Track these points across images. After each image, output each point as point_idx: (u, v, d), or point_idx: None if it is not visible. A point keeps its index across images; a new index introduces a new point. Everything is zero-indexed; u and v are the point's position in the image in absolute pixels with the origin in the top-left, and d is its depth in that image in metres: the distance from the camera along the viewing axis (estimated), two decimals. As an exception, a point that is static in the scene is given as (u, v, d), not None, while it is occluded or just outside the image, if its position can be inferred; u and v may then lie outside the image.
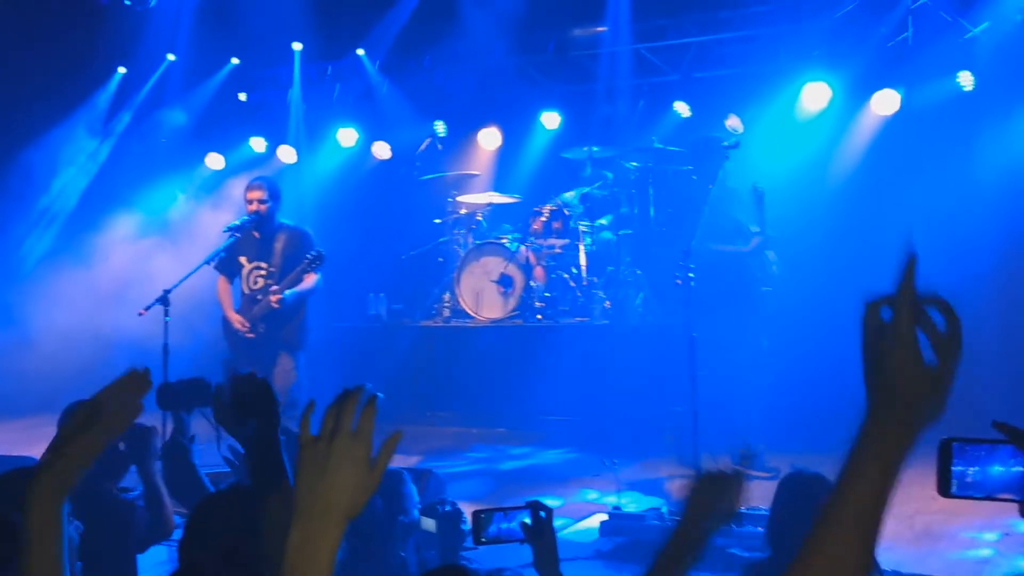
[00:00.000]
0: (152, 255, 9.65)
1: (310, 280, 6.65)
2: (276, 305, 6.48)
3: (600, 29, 9.93)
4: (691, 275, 5.27)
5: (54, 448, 1.69)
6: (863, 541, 1.14)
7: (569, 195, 9.51)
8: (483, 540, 2.41)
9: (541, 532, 2.39)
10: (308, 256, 6.54)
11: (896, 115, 8.58)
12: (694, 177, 8.45)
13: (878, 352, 1.19)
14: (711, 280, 5.96)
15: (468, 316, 9.31)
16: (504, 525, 2.40)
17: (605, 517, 5.77)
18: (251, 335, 6.64)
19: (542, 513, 2.41)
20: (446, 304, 9.62)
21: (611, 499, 6.10)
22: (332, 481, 1.30)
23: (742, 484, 1.96)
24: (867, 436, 1.17)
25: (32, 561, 1.64)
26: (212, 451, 3.64)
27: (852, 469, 1.16)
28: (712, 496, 1.93)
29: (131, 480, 3.75)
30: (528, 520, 2.40)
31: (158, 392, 3.24)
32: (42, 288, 9.67)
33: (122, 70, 11.17)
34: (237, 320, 6.69)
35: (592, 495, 6.41)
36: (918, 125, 8.34)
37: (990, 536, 5.37)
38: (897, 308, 1.19)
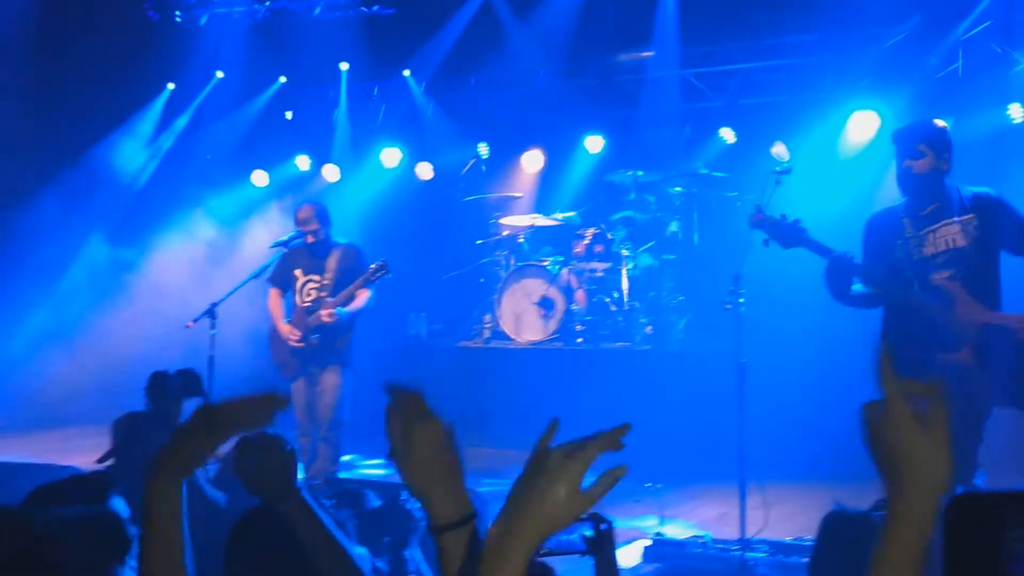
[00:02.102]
0: (199, 269, 9.74)
1: (363, 296, 6.68)
2: (329, 319, 6.51)
3: (646, 54, 9.94)
4: (741, 300, 5.26)
5: (172, 446, 1.78)
6: None
7: (618, 228, 9.48)
8: (542, 552, 2.38)
9: (602, 544, 2.36)
10: (373, 265, 6.58)
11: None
12: (739, 204, 8.48)
13: (879, 438, 1.23)
14: (762, 306, 6.11)
15: (508, 338, 9.30)
16: (564, 537, 2.37)
17: (648, 543, 5.72)
18: (300, 344, 6.66)
19: (603, 525, 2.37)
20: (486, 325, 9.63)
21: (653, 525, 6.05)
22: (548, 493, 1.34)
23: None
24: (893, 518, 1.16)
25: (153, 553, 1.67)
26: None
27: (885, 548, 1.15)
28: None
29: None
30: (589, 532, 2.37)
31: (149, 382, 3.24)
32: (87, 301, 9.77)
33: (171, 86, 11.31)
34: (287, 330, 6.71)
35: (634, 521, 6.36)
36: (967, 157, 8.25)
37: None
38: (884, 394, 1.24)
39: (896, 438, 1.20)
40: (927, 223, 4.47)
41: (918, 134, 4.54)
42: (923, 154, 4.47)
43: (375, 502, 3.28)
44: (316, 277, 6.73)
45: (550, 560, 2.45)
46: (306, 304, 6.72)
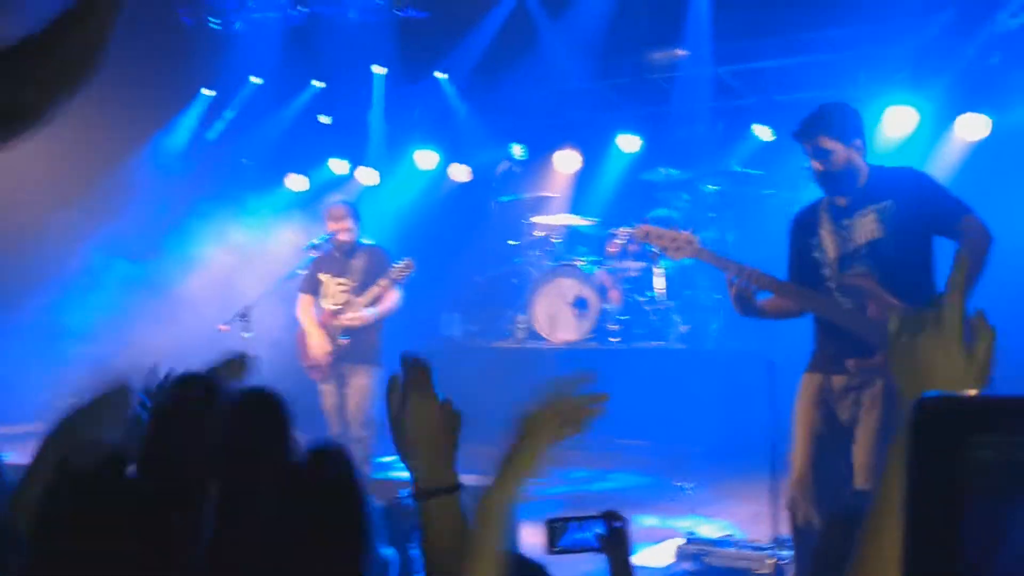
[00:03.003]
0: (233, 273, 9.82)
1: (392, 297, 6.70)
2: (358, 322, 6.54)
3: (680, 52, 9.89)
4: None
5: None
6: None
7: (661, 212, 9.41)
8: (556, 550, 2.37)
9: (616, 542, 2.34)
10: (397, 264, 6.59)
11: (985, 140, 8.39)
12: (774, 201, 8.42)
13: (916, 341, 1.23)
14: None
15: (542, 338, 9.29)
16: (578, 535, 2.36)
17: (681, 542, 5.69)
18: (329, 359, 6.69)
19: (617, 523, 2.36)
20: (520, 326, 9.63)
21: (686, 524, 6.02)
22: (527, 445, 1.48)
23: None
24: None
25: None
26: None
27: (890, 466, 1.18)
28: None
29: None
30: (603, 530, 2.35)
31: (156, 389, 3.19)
32: (119, 305, 9.88)
33: (207, 92, 11.42)
34: (317, 344, 6.74)
35: (667, 520, 6.33)
36: (1008, 150, 8.14)
37: None
38: (949, 296, 1.23)
39: (935, 355, 1.21)
40: (843, 215, 4.21)
41: (817, 129, 4.22)
42: (829, 150, 4.17)
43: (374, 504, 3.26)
44: (343, 280, 6.76)
45: (566, 558, 2.44)
46: (334, 308, 6.75)
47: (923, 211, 4.08)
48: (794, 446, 4.26)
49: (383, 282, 6.57)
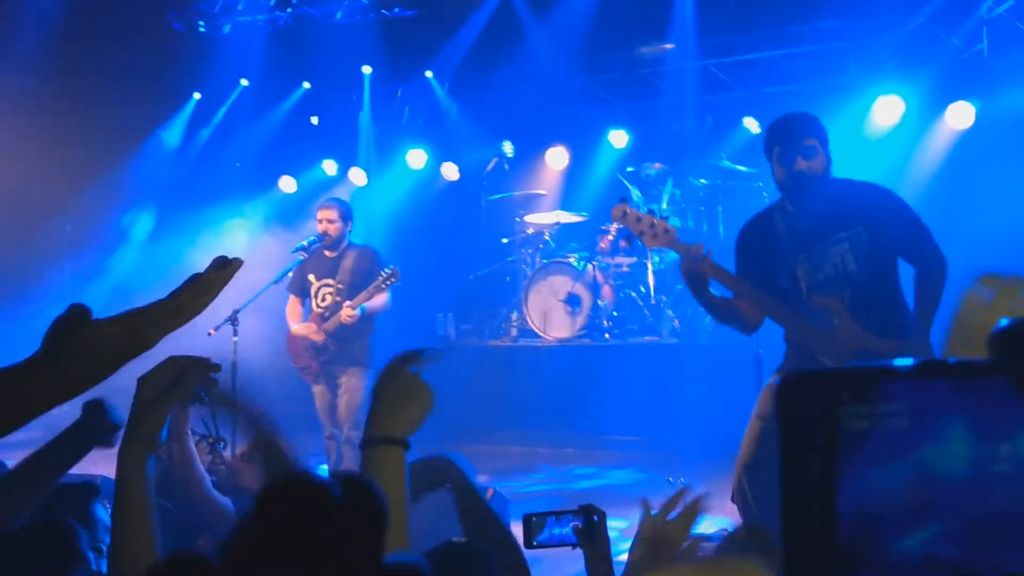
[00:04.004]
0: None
1: (381, 299, 6.68)
2: (348, 320, 6.52)
3: (667, 46, 9.89)
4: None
5: (136, 417, 1.87)
6: None
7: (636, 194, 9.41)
8: (535, 545, 2.37)
9: (593, 536, 2.35)
10: (383, 272, 6.57)
11: (971, 128, 8.40)
12: (764, 194, 8.40)
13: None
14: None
15: (536, 335, 9.30)
16: (556, 530, 2.37)
17: (673, 538, 5.68)
18: (320, 337, 6.66)
19: (595, 517, 2.36)
20: (514, 324, 9.63)
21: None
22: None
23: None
24: None
25: (124, 521, 1.79)
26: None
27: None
28: None
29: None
30: (581, 524, 2.36)
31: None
32: (111, 311, 9.87)
33: (197, 96, 11.41)
34: (303, 327, 6.73)
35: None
36: (994, 137, 8.15)
37: None
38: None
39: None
40: (811, 241, 3.95)
41: (806, 126, 3.91)
42: (815, 151, 3.86)
43: None
44: (331, 281, 6.74)
45: (549, 555, 2.45)
46: (321, 309, 6.74)
47: (892, 238, 3.92)
48: (744, 446, 4.21)
49: (370, 289, 6.56)
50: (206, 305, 1.54)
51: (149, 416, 1.87)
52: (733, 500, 4.24)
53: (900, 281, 4.00)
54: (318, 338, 6.68)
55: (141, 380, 1.89)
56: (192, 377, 1.92)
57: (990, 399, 0.83)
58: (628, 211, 4.13)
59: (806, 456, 0.84)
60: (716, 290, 4.09)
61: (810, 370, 0.86)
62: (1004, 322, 0.83)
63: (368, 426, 1.70)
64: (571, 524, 2.35)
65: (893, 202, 3.98)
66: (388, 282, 6.53)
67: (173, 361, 1.93)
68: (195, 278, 1.50)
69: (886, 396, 0.83)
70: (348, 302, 6.57)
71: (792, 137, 3.92)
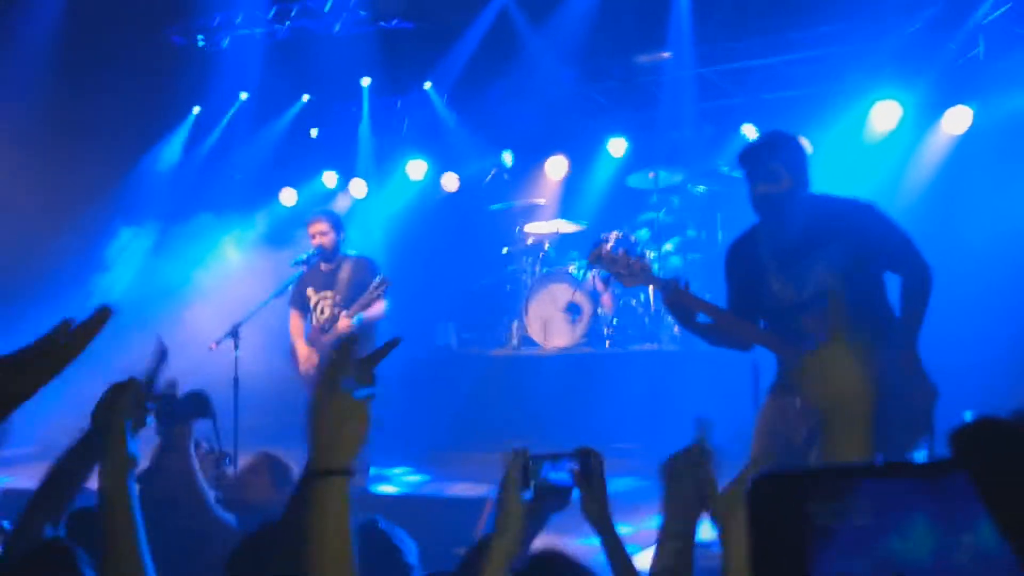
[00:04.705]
0: (228, 290, 9.84)
1: (378, 307, 6.71)
2: (346, 329, 6.54)
3: (664, 54, 9.93)
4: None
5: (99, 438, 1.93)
6: None
7: (643, 230, 9.46)
8: (531, 486, 2.38)
9: (590, 477, 2.36)
10: (374, 282, 6.59)
11: (968, 132, 8.42)
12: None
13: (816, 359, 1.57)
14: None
15: (537, 345, 9.31)
16: (552, 473, 2.38)
17: (675, 545, 5.68)
18: (316, 365, 6.70)
19: (592, 459, 2.38)
20: (515, 333, 9.65)
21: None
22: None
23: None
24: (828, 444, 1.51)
25: (114, 549, 1.81)
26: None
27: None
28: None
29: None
30: (578, 467, 2.37)
31: (156, 406, 3.22)
32: (111, 327, 9.88)
33: (197, 110, 11.45)
34: (305, 356, 6.77)
35: (656, 522, 6.33)
36: (991, 142, 8.17)
37: None
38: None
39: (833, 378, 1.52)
40: (792, 261, 3.98)
41: (770, 152, 3.98)
42: (779, 175, 3.93)
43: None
44: (328, 293, 6.77)
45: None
46: (321, 322, 6.76)
47: (873, 252, 3.93)
48: (751, 462, 4.21)
49: (363, 300, 6.59)
50: (77, 354, 1.53)
51: (109, 436, 1.91)
52: None
53: (887, 293, 4.01)
54: (311, 364, 6.71)
55: (93, 411, 1.98)
56: (129, 397, 1.98)
57: (950, 492, 0.87)
58: (603, 254, 4.19)
59: (777, 552, 0.87)
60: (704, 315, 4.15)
61: (774, 473, 0.90)
62: (968, 417, 0.87)
63: (308, 459, 1.69)
64: (568, 468, 2.37)
65: (872, 216, 3.99)
66: (379, 291, 6.55)
67: (113, 386, 1.99)
68: (66, 325, 1.50)
69: (852, 494, 0.88)
70: (345, 312, 6.60)
71: (753, 162, 4.00)
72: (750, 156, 4.04)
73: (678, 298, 4.03)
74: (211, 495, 3.40)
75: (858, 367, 1.51)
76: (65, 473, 2.36)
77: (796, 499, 0.87)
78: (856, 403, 1.49)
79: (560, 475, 2.37)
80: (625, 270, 4.14)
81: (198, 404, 3.29)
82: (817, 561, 0.86)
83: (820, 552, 0.86)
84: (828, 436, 1.48)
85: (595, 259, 4.21)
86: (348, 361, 1.67)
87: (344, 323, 6.55)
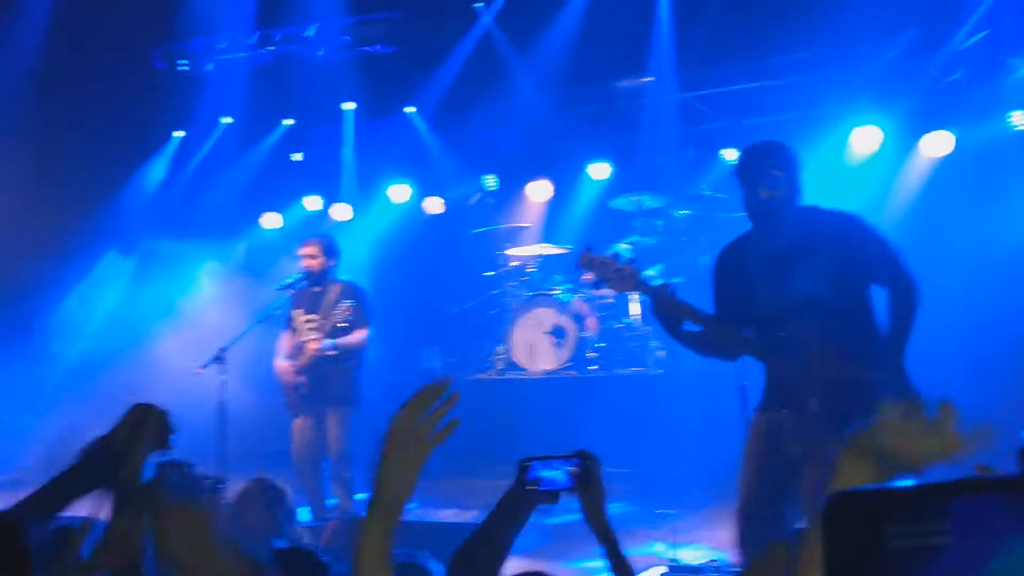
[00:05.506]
0: (212, 314, 9.81)
1: (358, 336, 6.71)
2: (315, 352, 6.54)
3: (646, 79, 10.00)
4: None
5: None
6: None
7: (623, 247, 9.49)
8: (528, 489, 2.36)
9: (589, 481, 2.35)
10: (337, 308, 6.59)
11: (950, 156, 8.51)
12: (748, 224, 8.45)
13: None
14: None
15: (522, 368, 9.30)
16: (550, 475, 2.36)
17: (664, 570, 5.68)
18: (298, 378, 6.68)
19: (589, 463, 2.37)
20: (499, 357, 9.63)
21: (668, 551, 6.02)
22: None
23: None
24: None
25: None
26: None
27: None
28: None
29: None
30: (576, 470, 2.36)
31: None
32: (98, 352, 9.82)
33: (179, 134, 11.43)
34: (282, 367, 6.77)
35: (648, 547, 6.33)
36: (974, 166, 8.26)
37: None
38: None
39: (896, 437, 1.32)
40: (782, 268, 4.00)
41: (771, 157, 4.01)
42: (778, 181, 3.96)
43: None
44: (314, 316, 6.78)
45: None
46: (302, 343, 6.77)
47: (861, 264, 3.95)
48: (742, 481, 4.20)
49: (328, 321, 6.60)
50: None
51: (128, 463, 1.90)
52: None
53: (873, 306, 4.02)
54: (288, 378, 6.71)
55: (112, 432, 1.94)
56: (151, 426, 1.96)
57: None
58: (593, 258, 4.22)
59: (855, 575, 0.83)
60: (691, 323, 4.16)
61: (851, 491, 0.86)
62: None
63: (372, 491, 1.66)
64: (564, 469, 2.35)
65: (862, 228, 4.02)
66: (343, 316, 6.57)
67: (136, 408, 1.99)
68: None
69: (939, 513, 0.82)
70: (328, 340, 6.62)
71: (757, 166, 4.01)
72: (752, 161, 4.05)
73: (666, 305, 4.04)
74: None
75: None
76: (62, 488, 2.30)
77: (874, 518, 0.83)
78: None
79: (553, 475, 2.36)
80: (614, 274, 4.16)
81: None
82: None
83: (898, 574, 0.82)
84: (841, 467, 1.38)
85: (586, 262, 4.23)
86: (426, 404, 1.66)
87: (313, 346, 6.56)
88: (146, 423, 1.98)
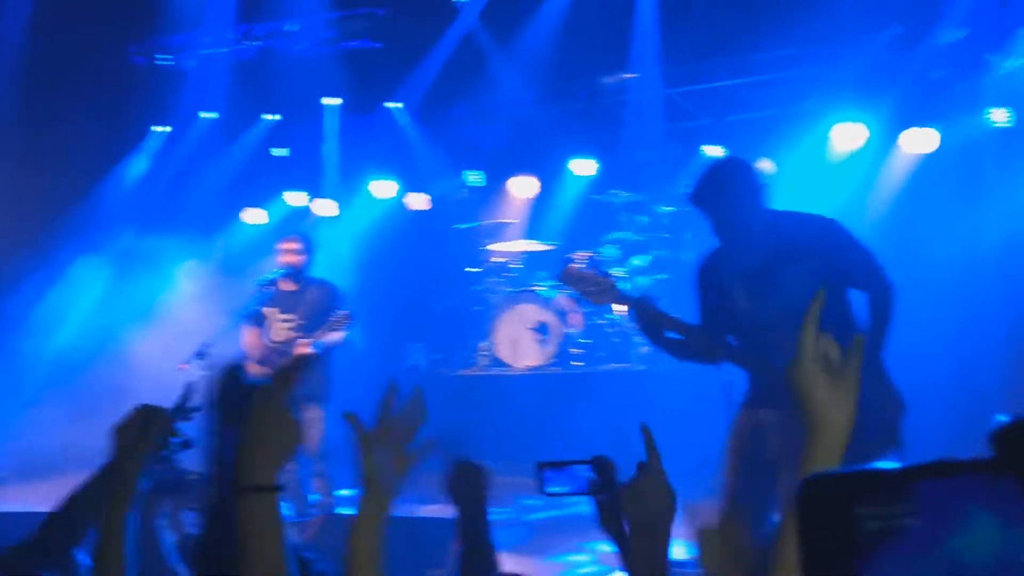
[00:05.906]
0: (195, 311, 9.76)
1: (336, 336, 6.70)
2: (305, 354, 6.53)
3: (629, 75, 10.00)
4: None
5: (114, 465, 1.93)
6: None
7: (610, 249, 9.49)
8: (548, 494, 2.36)
9: (605, 486, 2.34)
10: (335, 316, 6.58)
11: (932, 153, 8.55)
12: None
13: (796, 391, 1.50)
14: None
15: (506, 365, 9.29)
16: (568, 479, 2.35)
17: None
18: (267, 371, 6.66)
19: (606, 468, 2.35)
20: (484, 353, 9.62)
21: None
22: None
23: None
24: (807, 459, 1.46)
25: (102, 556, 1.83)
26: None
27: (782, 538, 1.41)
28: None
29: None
30: (592, 475, 2.35)
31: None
32: (81, 350, 9.77)
33: (160, 129, 11.36)
34: (255, 373, 6.74)
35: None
36: (955, 162, 8.30)
37: None
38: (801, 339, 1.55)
39: (806, 390, 1.49)
40: (761, 281, 4.01)
41: (715, 188, 4.01)
42: (731, 206, 3.97)
43: None
44: (290, 317, 6.76)
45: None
46: (276, 344, 6.74)
47: (837, 268, 3.94)
48: (724, 476, 4.23)
49: (324, 329, 6.59)
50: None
51: (126, 463, 1.89)
52: None
53: (851, 309, 4.03)
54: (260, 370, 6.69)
55: (115, 429, 1.93)
56: (157, 426, 1.96)
57: (1008, 491, 0.85)
58: (572, 273, 4.23)
59: (826, 558, 0.86)
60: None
61: (825, 475, 0.89)
62: (1003, 419, 0.86)
63: (239, 474, 1.67)
64: (582, 474, 2.34)
65: (838, 234, 4.03)
66: (339, 325, 6.56)
67: (142, 409, 1.98)
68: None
69: (906, 495, 0.86)
70: (304, 340, 6.60)
71: (705, 203, 4.06)
72: (700, 198, 4.08)
73: (647, 316, 4.05)
74: (168, 542, 3.32)
75: (835, 385, 1.50)
76: (85, 500, 2.30)
77: (846, 501, 0.86)
78: (835, 424, 1.47)
79: (569, 479, 2.36)
80: (594, 288, 4.18)
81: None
82: (869, 565, 0.85)
83: (872, 556, 0.85)
84: (807, 452, 1.45)
85: (564, 278, 4.25)
86: (295, 380, 1.75)
87: (303, 347, 6.54)
88: (152, 425, 1.97)
